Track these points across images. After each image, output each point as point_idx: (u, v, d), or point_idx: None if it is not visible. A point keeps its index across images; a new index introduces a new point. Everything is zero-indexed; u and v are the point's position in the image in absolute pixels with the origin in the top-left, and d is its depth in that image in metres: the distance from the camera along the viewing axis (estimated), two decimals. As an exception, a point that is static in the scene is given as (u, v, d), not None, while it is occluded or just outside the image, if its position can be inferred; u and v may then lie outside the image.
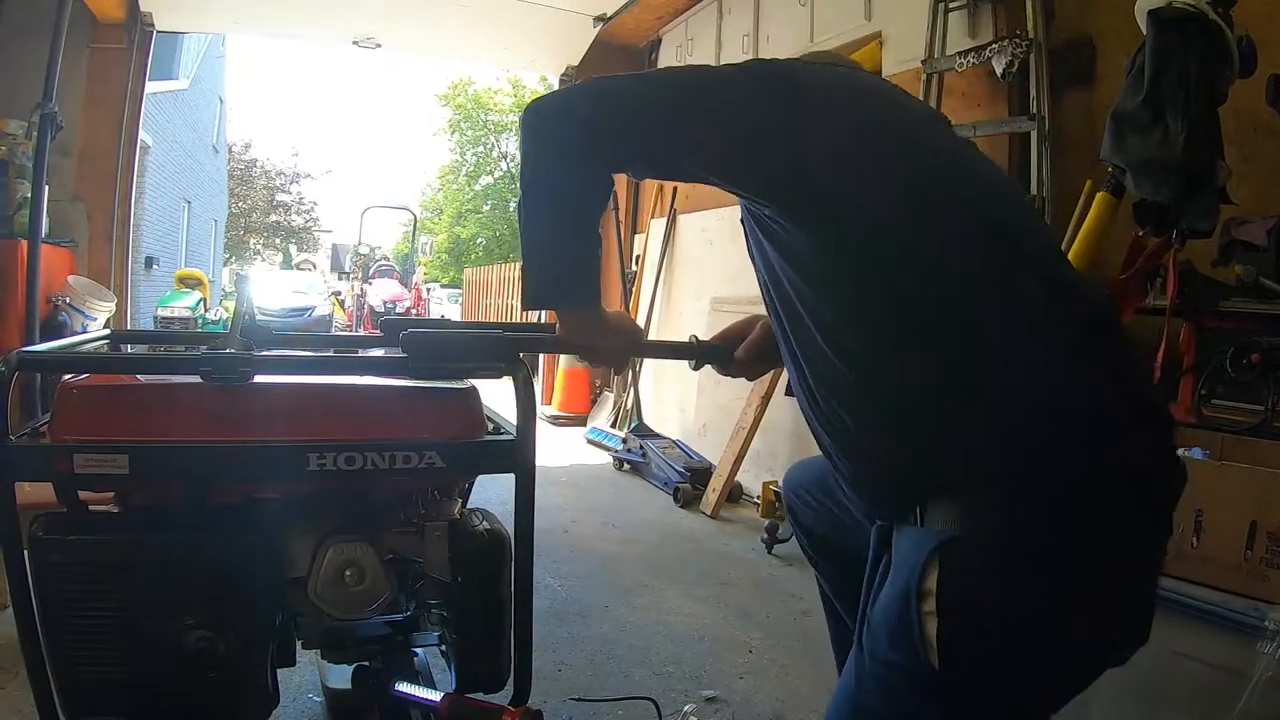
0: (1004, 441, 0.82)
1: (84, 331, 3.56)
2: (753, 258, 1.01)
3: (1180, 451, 1.65)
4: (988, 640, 0.82)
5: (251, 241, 25.52)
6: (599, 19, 5.01)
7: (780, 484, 3.36)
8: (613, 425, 5.10)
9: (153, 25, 4.62)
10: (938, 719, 0.84)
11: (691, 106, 0.91)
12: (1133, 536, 0.83)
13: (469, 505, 1.42)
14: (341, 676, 1.41)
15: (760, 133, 0.88)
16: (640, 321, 4.98)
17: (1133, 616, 0.85)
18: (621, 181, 5.63)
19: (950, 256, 0.86)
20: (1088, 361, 0.84)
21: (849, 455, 0.93)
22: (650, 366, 5.00)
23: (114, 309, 4.18)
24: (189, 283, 9.08)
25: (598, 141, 0.91)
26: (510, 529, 1.23)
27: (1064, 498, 0.80)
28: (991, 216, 0.90)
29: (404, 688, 1.26)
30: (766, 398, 3.51)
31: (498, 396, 1.27)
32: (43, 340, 3.25)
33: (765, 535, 2.93)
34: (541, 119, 0.94)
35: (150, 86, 4.93)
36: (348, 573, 1.15)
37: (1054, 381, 0.83)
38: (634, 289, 5.35)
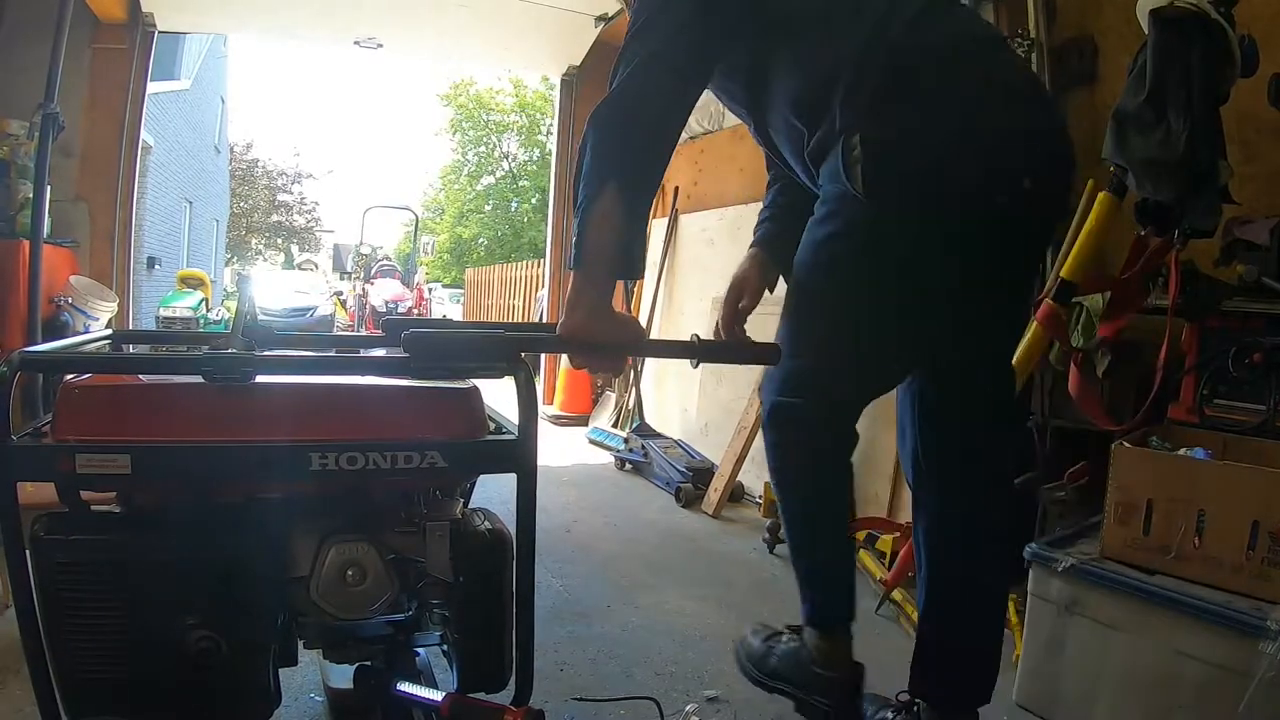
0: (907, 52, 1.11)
1: (86, 331, 3.57)
2: (749, 117, 1.32)
3: (1182, 451, 1.65)
4: (902, 156, 1.09)
5: (253, 241, 25.56)
6: (600, 19, 5.01)
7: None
8: (614, 425, 5.09)
9: (154, 26, 4.61)
10: (870, 268, 1.14)
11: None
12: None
13: (471, 505, 1.43)
14: (343, 676, 1.41)
15: None
16: (641, 321, 4.98)
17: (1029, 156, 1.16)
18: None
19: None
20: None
21: (827, 174, 1.18)
22: (652, 366, 5.00)
23: (116, 309, 4.18)
24: (191, 283, 9.09)
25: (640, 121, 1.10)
26: (512, 529, 1.23)
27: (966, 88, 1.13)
28: None
29: (405, 687, 1.26)
30: (768, 398, 3.50)
31: (499, 396, 1.27)
32: (45, 340, 3.26)
33: (767, 535, 2.93)
34: (592, 131, 1.10)
35: (152, 87, 4.93)
36: (349, 572, 1.15)
37: (945, 28, 1.18)
38: (635, 288, 5.35)
